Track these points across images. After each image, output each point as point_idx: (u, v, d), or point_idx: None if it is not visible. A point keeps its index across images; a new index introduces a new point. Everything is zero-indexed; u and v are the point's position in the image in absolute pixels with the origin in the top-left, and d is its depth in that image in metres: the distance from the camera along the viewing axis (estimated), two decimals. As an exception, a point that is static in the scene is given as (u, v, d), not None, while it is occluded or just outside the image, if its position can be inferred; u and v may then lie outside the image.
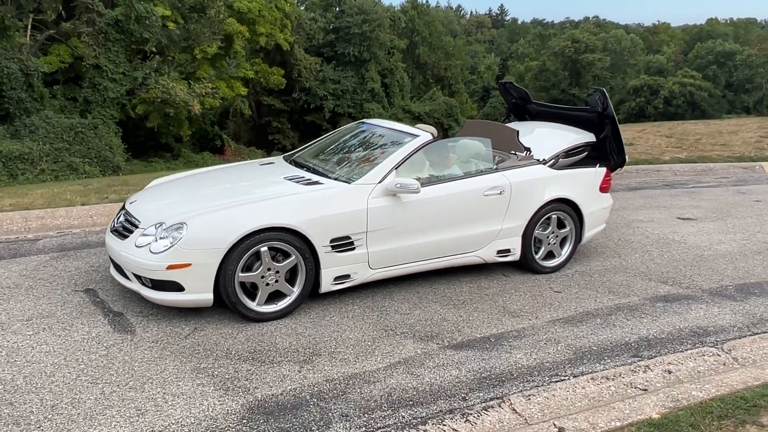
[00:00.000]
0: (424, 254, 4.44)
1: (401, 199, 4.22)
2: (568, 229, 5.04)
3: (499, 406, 3.09)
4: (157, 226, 3.80)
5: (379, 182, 4.19)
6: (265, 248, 3.81)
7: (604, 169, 5.24)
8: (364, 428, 2.86)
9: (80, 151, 12.61)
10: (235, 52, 26.23)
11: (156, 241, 3.73)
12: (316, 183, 4.23)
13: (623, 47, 50.20)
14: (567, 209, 4.95)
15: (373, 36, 33.88)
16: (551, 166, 4.96)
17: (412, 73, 43.86)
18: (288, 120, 32.62)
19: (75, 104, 18.72)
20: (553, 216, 4.92)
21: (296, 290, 3.99)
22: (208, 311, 3.96)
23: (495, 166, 4.80)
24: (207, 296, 3.73)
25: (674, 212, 7.17)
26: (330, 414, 2.96)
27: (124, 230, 3.99)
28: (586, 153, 5.35)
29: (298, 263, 3.94)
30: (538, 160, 4.96)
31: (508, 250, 4.80)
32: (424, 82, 44.72)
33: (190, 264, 3.65)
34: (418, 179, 4.29)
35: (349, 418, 2.93)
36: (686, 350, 3.78)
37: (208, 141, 27.77)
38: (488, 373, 3.41)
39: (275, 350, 3.56)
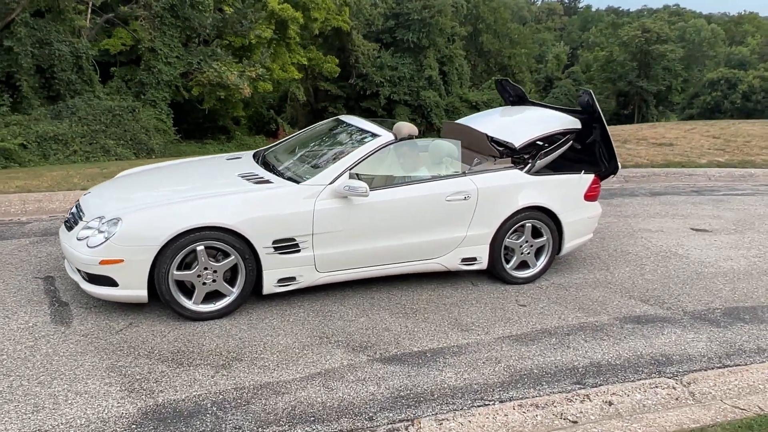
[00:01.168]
0: (378, 259, 4.28)
1: (352, 202, 4.07)
2: (544, 238, 4.75)
3: (406, 429, 2.92)
4: (99, 219, 3.81)
5: (330, 183, 4.05)
6: (202, 247, 3.76)
7: (590, 176, 4.90)
8: (250, 443, 2.77)
9: (116, 133, 13.03)
10: (289, 37, 26.48)
11: (95, 234, 3.74)
12: (267, 182, 4.13)
13: (702, 38, 47.56)
14: (543, 218, 4.65)
15: (432, 22, 33.45)
16: (529, 171, 4.67)
17: (475, 61, 43.13)
18: (344, 106, 32.61)
19: (131, 86, 19.36)
20: (527, 224, 4.64)
21: (235, 291, 3.92)
22: (149, 307, 3.95)
23: (464, 170, 4.57)
24: (141, 293, 3.72)
25: (690, 222, 6.67)
26: (223, 425, 2.88)
27: (72, 222, 4.04)
28: (569, 143, 4.95)
29: (237, 263, 3.87)
30: (516, 164, 4.69)
31: (474, 259, 4.57)
32: (487, 71, 43.93)
33: (122, 260, 3.64)
34: (371, 181, 4.14)
35: (240, 431, 2.85)
36: (638, 380, 3.47)
37: (264, 124, 28.20)
38: (408, 391, 3.24)
39: (198, 352, 3.51)
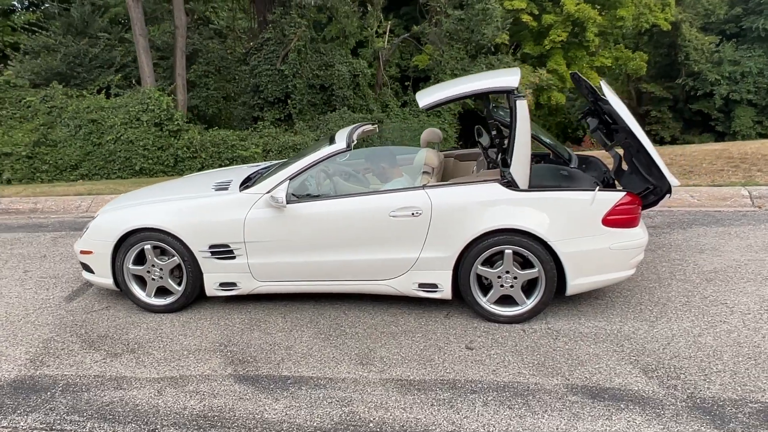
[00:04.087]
0: (319, 275, 4.03)
1: (284, 213, 3.95)
2: (535, 270, 3.77)
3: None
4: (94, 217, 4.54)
5: (267, 192, 4.01)
6: (149, 246, 4.15)
7: (612, 195, 3.69)
8: (41, 424, 3.04)
9: (388, 139, 14.44)
10: (587, 40, 25.16)
11: (84, 229, 4.47)
12: (223, 190, 4.30)
13: None
14: (529, 244, 3.70)
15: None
16: (512, 185, 3.75)
17: None
18: (670, 109, 29.15)
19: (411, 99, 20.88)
20: (507, 251, 3.75)
21: (180, 289, 4.20)
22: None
23: (424, 183, 3.95)
24: (108, 281, 4.30)
25: None
26: (58, 403, 3.20)
27: (97, 218, 4.87)
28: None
29: (180, 264, 4.15)
30: (502, 177, 3.84)
31: (435, 286, 3.91)
32: None
33: (92, 252, 4.28)
34: (304, 194, 3.96)
35: (54, 412, 3.13)
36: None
37: (572, 131, 27.36)
38: (220, 413, 3.05)
39: (116, 339, 3.89)
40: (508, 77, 3.82)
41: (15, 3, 22.03)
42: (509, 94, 3.73)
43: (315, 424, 2.92)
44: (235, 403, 3.12)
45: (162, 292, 4.27)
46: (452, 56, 20.43)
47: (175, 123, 12.22)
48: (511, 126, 3.67)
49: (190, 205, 4.13)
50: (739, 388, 3.02)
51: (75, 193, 8.65)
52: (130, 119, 12.02)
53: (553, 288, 3.76)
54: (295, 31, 16.99)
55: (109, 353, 3.72)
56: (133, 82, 14.85)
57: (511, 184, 3.74)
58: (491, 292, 3.86)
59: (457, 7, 20.11)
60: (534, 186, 3.82)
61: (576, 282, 3.76)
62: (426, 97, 3.92)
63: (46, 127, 12.20)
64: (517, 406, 2.98)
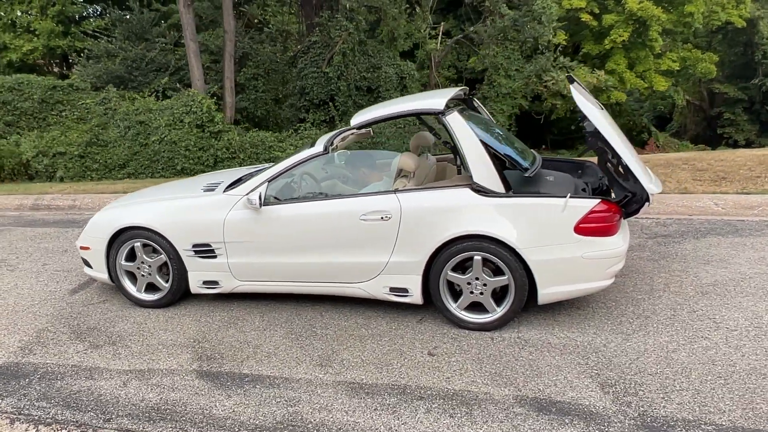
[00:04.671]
0: (294, 275, 4.10)
1: (261, 214, 4.05)
2: (505, 278, 3.70)
3: None
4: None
5: (246, 194, 4.11)
6: (139, 243, 4.35)
7: (586, 202, 3.57)
8: None
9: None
10: (651, 39, 24.17)
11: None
12: (211, 191, 4.44)
13: None
14: (499, 251, 3.63)
15: None
16: (482, 191, 3.69)
17: None
18: (745, 111, 27.48)
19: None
20: (476, 257, 3.70)
21: (167, 286, 4.38)
22: (127, 290, 4.74)
23: (396, 187, 3.95)
24: (104, 276, 4.53)
25: None
26: (30, 390, 3.42)
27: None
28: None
29: (167, 261, 4.32)
30: (474, 183, 3.77)
31: (405, 290, 3.90)
32: None
33: (89, 247, 4.52)
34: (283, 197, 4.05)
35: (27, 398, 3.34)
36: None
37: (637, 134, 26.36)
38: (171, 407, 3.17)
39: (102, 332, 4.10)
40: (435, 99, 3.90)
41: (91, 10, 23.40)
42: (437, 115, 3.82)
43: (257, 422, 2.98)
44: (189, 398, 3.23)
45: (152, 288, 4.46)
46: (506, 57, 20.14)
47: (216, 124, 12.64)
48: (454, 142, 3.74)
49: (176, 205, 4.30)
50: (697, 408, 2.86)
51: (112, 191, 9.11)
52: (174, 121, 12.54)
53: (523, 296, 3.68)
54: (340, 34, 17.22)
55: (92, 344, 3.92)
56: (178, 85, 15.43)
57: (481, 190, 3.68)
58: (461, 298, 3.82)
59: (513, 7, 19.78)
60: (515, 192, 3.75)
61: (547, 291, 3.66)
62: (360, 117, 4.07)
63: (99, 128, 12.89)
64: (459, 415, 2.95)
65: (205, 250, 4.20)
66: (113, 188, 9.43)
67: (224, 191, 4.26)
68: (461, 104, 4.38)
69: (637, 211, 3.81)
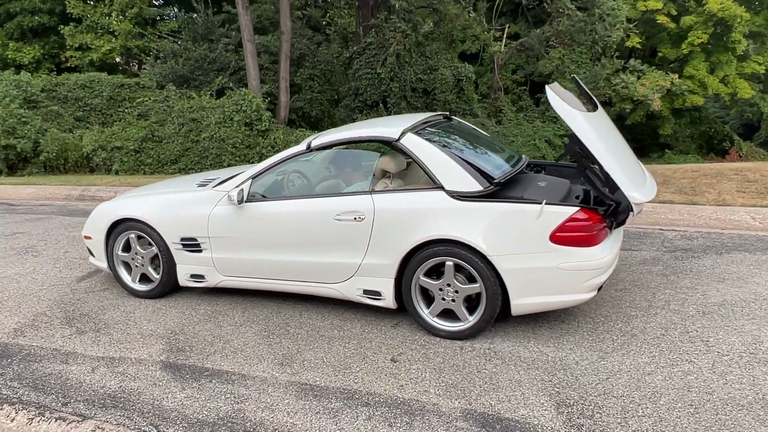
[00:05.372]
0: (274, 273, 4.10)
1: (243, 211, 4.08)
2: (477, 285, 3.55)
3: (65, 422, 3.04)
4: (103, 207, 4.98)
5: (231, 191, 4.16)
6: (133, 235, 4.49)
7: (563, 210, 3.36)
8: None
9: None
10: (734, 41, 22.76)
11: (92, 217, 4.92)
12: (203, 186, 4.52)
13: None
14: (470, 258, 3.50)
15: None
16: (456, 195, 3.55)
17: None
18: None
19: (524, 104, 19.97)
20: (448, 263, 3.57)
21: (158, 277, 4.49)
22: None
23: (372, 188, 3.87)
24: (104, 264, 4.71)
25: None
26: (9, 370, 3.60)
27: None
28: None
29: (158, 253, 4.44)
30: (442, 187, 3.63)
31: (378, 293, 3.82)
32: None
33: (91, 237, 4.71)
34: (266, 194, 4.07)
35: (3, 376, 3.51)
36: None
37: (718, 142, 24.97)
38: (126, 396, 3.24)
39: (91, 318, 4.25)
40: (391, 129, 3.85)
41: (170, 13, 24.58)
42: (392, 143, 3.78)
43: (200, 417, 3.00)
44: (146, 388, 3.29)
45: (145, 279, 4.59)
46: (573, 60, 19.48)
47: (264, 123, 12.92)
48: (417, 164, 3.72)
49: (167, 200, 4.40)
50: (654, 438, 2.63)
51: (154, 184, 9.49)
52: (224, 119, 12.93)
53: (495, 306, 3.52)
54: (394, 35, 17.21)
55: (78, 330, 4.07)
56: (231, 85, 15.86)
57: (455, 193, 3.55)
58: (433, 304, 3.69)
59: (581, 8, 19.11)
60: (500, 197, 3.60)
61: (520, 302, 3.48)
62: (319, 139, 4.06)
63: (157, 125, 13.48)
64: (398, 424, 2.84)
65: (191, 244, 4.28)
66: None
67: (213, 187, 4.33)
68: (427, 126, 4.23)
69: (624, 221, 3.57)
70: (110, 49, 20.97)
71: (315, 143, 4.03)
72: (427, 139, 3.75)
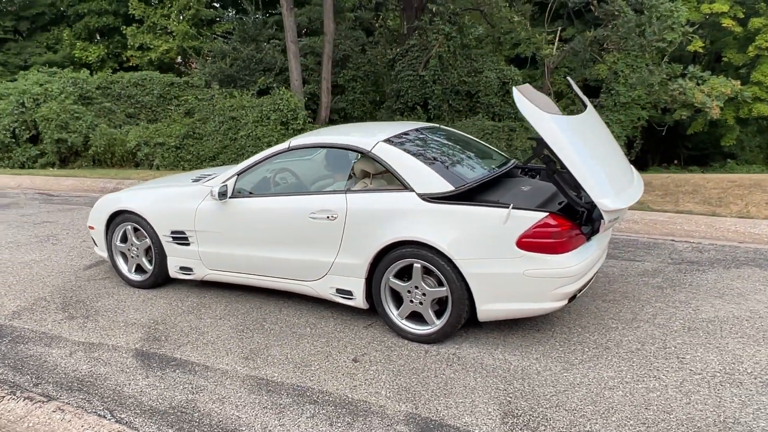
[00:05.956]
0: (253, 269, 4.16)
1: (225, 206, 4.17)
2: (445, 289, 3.50)
3: (27, 400, 3.19)
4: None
5: (214, 186, 4.25)
6: (130, 227, 4.66)
7: (530, 216, 3.27)
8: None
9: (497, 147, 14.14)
10: None
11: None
12: (197, 182, 4.63)
13: None
14: (436, 260, 3.45)
15: None
16: (426, 196, 3.50)
17: None
18: None
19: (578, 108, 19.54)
20: (416, 265, 3.54)
21: (151, 268, 4.64)
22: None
23: (348, 187, 3.88)
24: (104, 254, 4.90)
25: None
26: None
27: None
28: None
29: (151, 245, 4.59)
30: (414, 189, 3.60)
31: (350, 293, 3.82)
32: None
33: (94, 227, 4.91)
34: (244, 192, 4.15)
35: (-13, 356, 3.72)
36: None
37: None
38: (92, 380, 3.37)
39: (85, 305, 4.44)
40: (366, 138, 3.89)
41: (225, 15, 25.31)
42: (365, 153, 3.81)
43: (153, 405, 3.08)
44: (113, 374, 3.41)
45: (140, 269, 4.75)
46: (627, 64, 18.84)
47: (299, 122, 13.12)
48: (389, 171, 3.74)
49: (161, 193, 4.54)
50: (592, 455, 2.53)
51: (184, 180, 9.79)
52: (261, 117, 13.21)
53: (461, 311, 3.45)
54: (437, 37, 17.14)
55: (69, 316, 4.26)
56: (274, 85, 16.16)
57: (425, 195, 3.51)
58: (402, 306, 3.67)
59: (638, 11, 18.46)
60: (473, 200, 3.55)
61: (486, 307, 3.41)
62: (299, 140, 4.13)
63: (200, 122, 13.91)
64: (339, 424, 2.84)
65: (180, 237, 4.40)
66: (187, 177, 10.13)
67: (203, 183, 4.43)
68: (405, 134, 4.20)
69: (598, 229, 3.45)
70: (167, 49, 21.78)
71: (294, 143, 4.09)
72: (399, 147, 3.74)
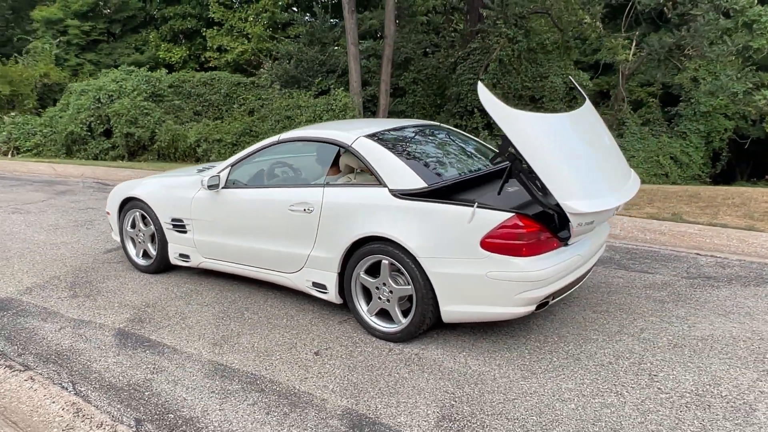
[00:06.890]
0: (240, 258, 4.25)
1: (216, 197, 4.28)
2: (410, 287, 3.43)
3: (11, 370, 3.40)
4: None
5: (205, 177, 4.37)
6: (138, 213, 4.88)
7: (496, 215, 3.15)
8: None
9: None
10: None
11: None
12: (200, 172, 4.78)
13: None
14: (402, 258, 3.39)
15: None
16: (398, 193, 3.45)
17: None
18: None
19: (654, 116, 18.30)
20: (384, 261, 3.49)
21: (155, 253, 4.83)
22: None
23: (327, 181, 3.88)
24: (118, 238, 5.16)
25: None
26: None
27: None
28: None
29: (155, 231, 4.78)
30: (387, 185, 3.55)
31: (324, 287, 3.82)
32: None
33: (109, 213, 5.18)
34: (239, 183, 4.25)
35: (-11, 326, 4.00)
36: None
37: None
38: (72, 356, 3.54)
39: (92, 287, 4.69)
40: (347, 133, 3.90)
41: (301, 17, 26.06)
42: (346, 147, 3.82)
43: (113, 382, 3.20)
44: (88, 350, 3.58)
45: (146, 254, 4.96)
46: (709, 72, 17.76)
47: (349, 123, 13.26)
48: (366, 167, 3.72)
49: (165, 182, 4.73)
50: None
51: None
52: (314, 117, 13.47)
53: (426, 311, 3.37)
54: (498, 41, 16.86)
55: (74, 294, 4.51)
56: (332, 86, 16.40)
57: (396, 191, 3.46)
58: (371, 302, 3.63)
59: (725, 15, 17.40)
60: (447, 198, 3.47)
61: (449, 308, 3.32)
62: (287, 134, 4.16)
63: (260, 121, 14.37)
64: (276, 413, 2.85)
65: (179, 225, 4.56)
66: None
67: (203, 173, 4.57)
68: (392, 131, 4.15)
69: (570, 234, 3.27)
70: (243, 50, 22.64)
71: (283, 137, 4.15)
72: (380, 143, 3.71)
